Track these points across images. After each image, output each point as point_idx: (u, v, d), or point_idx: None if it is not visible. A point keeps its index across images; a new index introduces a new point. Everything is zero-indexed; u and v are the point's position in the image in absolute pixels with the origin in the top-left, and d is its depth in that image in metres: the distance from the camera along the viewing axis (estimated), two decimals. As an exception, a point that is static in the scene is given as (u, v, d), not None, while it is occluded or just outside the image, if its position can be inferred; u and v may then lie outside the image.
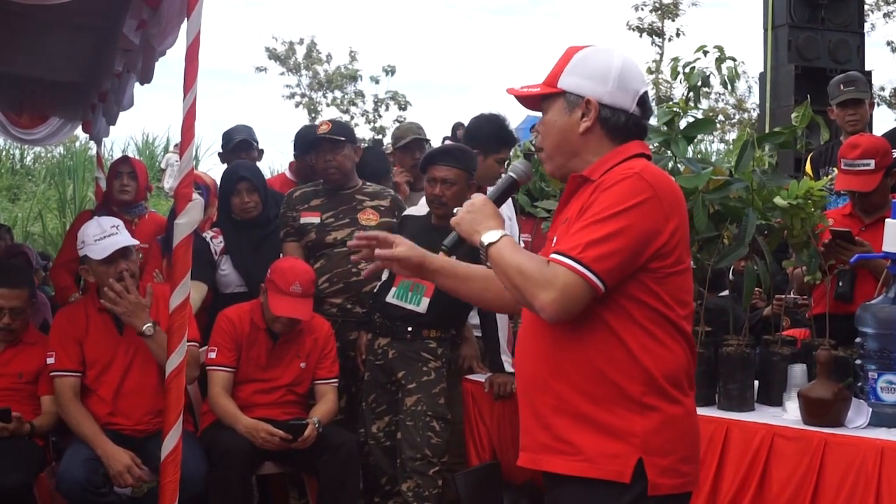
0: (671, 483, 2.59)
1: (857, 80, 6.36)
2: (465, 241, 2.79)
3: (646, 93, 2.76)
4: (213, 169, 9.36)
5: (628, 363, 2.57)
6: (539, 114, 2.84)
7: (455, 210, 2.79)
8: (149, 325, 4.72)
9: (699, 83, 4.35)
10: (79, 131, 9.37)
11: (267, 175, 7.17)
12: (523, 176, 2.90)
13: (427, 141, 6.96)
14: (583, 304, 2.51)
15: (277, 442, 4.80)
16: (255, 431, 4.81)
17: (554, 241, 2.70)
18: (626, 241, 2.50)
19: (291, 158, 7.07)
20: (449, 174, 4.98)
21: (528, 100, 2.86)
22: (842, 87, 6.21)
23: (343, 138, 5.58)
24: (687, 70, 4.38)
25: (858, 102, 6.23)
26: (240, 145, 6.83)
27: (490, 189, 2.86)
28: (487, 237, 2.67)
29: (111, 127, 7.81)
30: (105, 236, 4.81)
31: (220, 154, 7.13)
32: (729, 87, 4.54)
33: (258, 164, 6.78)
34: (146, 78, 5.65)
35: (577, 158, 2.74)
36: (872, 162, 4.61)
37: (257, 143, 7.00)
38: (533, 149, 4.44)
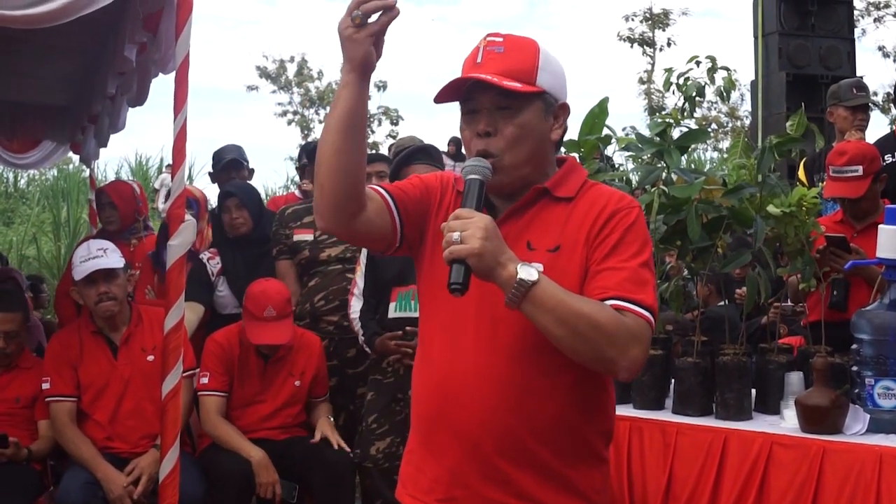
0: None
1: (866, 86, 6.54)
2: (474, 274, 2.18)
3: None
4: (206, 189, 9.41)
5: (601, 417, 2.43)
6: None
7: (454, 236, 2.15)
8: None
9: (694, 94, 4.34)
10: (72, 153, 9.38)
11: (262, 194, 7.16)
12: (489, 175, 2.33)
13: None
14: None
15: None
16: (266, 475, 4.84)
17: (535, 265, 2.23)
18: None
19: (286, 176, 7.09)
20: (429, 171, 4.99)
21: (453, 91, 2.40)
22: (854, 90, 6.34)
23: None
24: (681, 81, 4.37)
25: (867, 107, 6.44)
26: (229, 165, 6.84)
27: (467, 200, 2.29)
28: (526, 273, 2.15)
29: (101, 149, 7.82)
30: (90, 258, 4.82)
31: (210, 174, 7.14)
32: (727, 97, 4.53)
33: (250, 182, 6.79)
34: (140, 101, 5.67)
35: (539, 170, 2.43)
36: (860, 168, 4.61)
37: (247, 162, 7.01)
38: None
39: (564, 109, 2.44)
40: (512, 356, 2.31)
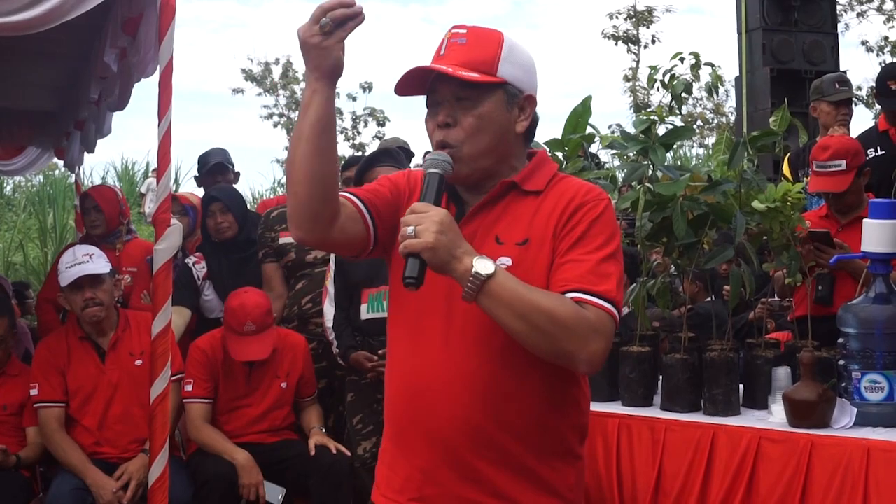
0: None
1: (848, 80, 6.57)
2: (428, 267, 2.15)
3: None
4: (193, 192, 9.36)
5: (574, 412, 2.39)
6: None
7: (409, 230, 2.14)
8: None
9: (681, 91, 4.35)
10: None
11: (248, 197, 7.18)
12: (449, 169, 2.30)
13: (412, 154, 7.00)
14: None
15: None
16: (249, 476, 4.81)
17: (503, 260, 2.27)
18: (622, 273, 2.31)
19: (273, 178, 7.12)
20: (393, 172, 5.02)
21: (419, 85, 2.38)
22: (837, 85, 6.37)
23: None
24: (667, 79, 4.37)
25: (851, 102, 6.47)
26: (215, 168, 6.84)
27: (424, 194, 2.27)
28: (482, 267, 2.12)
29: (88, 154, 7.78)
30: (75, 264, 4.82)
31: (196, 178, 7.14)
32: (714, 93, 4.54)
33: (236, 185, 6.79)
34: (121, 105, 5.65)
35: (504, 163, 2.39)
36: (844, 162, 4.63)
37: (233, 165, 7.02)
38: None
39: (531, 101, 2.40)
40: (480, 353, 2.28)
